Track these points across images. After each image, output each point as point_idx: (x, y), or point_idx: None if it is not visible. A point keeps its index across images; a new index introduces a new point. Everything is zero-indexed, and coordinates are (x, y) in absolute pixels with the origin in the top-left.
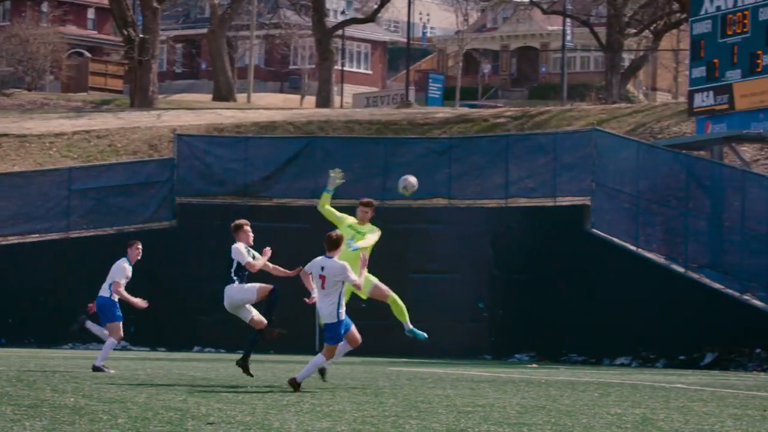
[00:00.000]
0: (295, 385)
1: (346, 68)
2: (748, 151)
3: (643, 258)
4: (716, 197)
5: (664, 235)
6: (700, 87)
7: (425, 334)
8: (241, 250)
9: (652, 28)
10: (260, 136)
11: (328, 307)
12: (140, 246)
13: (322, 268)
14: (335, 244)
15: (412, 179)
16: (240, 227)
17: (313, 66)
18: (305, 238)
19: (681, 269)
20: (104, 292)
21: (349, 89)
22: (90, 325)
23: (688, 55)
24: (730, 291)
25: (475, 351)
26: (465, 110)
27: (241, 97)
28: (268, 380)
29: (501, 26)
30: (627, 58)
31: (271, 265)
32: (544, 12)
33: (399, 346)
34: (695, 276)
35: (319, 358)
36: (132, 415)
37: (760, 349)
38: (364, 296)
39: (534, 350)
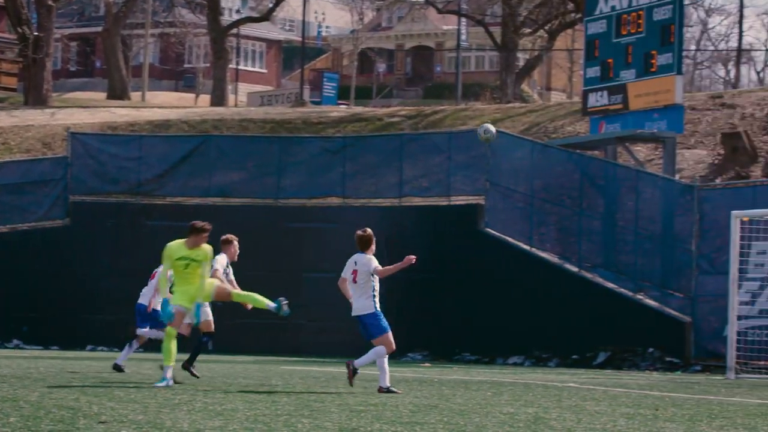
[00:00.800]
0: (386, 390)
1: (240, 67)
2: (641, 150)
3: (536, 257)
4: (610, 197)
5: (557, 235)
6: (595, 87)
7: (288, 310)
8: (221, 262)
9: (546, 27)
10: (154, 135)
11: (363, 300)
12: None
13: (355, 263)
14: (367, 242)
15: (490, 127)
16: (229, 242)
17: (208, 64)
18: None
19: (574, 269)
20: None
21: (244, 88)
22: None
23: (582, 55)
24: (623, 290)
25: (368, 350)
26: (360, 109)
27: (135, 96)
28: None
29: (396, 25)
30: (522, 57)
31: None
32: (439, 11)
33: (292, 345)
34: (588, 275)
35: (380, 350)
36: (24, 414)
37: (653, 348)
38: (208, 300)
39: (427, 349)
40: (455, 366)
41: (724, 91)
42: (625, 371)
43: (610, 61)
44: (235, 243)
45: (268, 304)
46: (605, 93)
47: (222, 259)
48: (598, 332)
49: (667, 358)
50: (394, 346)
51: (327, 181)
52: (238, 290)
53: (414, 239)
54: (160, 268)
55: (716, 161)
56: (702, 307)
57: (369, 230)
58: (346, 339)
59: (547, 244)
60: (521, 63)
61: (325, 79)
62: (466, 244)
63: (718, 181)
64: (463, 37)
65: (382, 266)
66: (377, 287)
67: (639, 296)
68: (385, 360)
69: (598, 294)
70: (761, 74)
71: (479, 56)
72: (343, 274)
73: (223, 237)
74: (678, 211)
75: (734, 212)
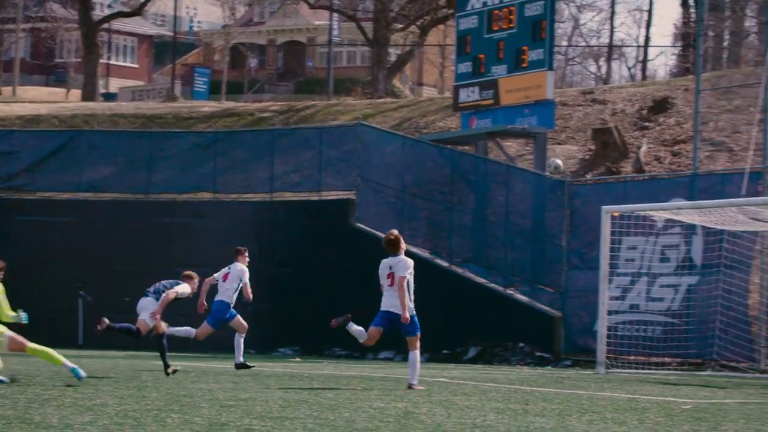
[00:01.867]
0: (414, 388)
1: (112, 62)
2: (512, 146)
3: (407, 252)
4: (480, 192)
5: (428, 230)
6: (466, 82)
7: (82, 374)
8: (183, 290)
9: (418, 23)
10: (25, 130)
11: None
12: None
13: (390, 267)
14: (395, 244)
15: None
16: (191, 277)
17: (79, 59)
18: (70, 231)
19: (445, 264)
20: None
21: (115, 83)
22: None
23: (454, 51)
24: (493, 285)
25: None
26: (231, 104)
27: (6, 91)
28: (32, 373)
29: (268, 20)
30: (393, 53)
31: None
32: (311, 6)
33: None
34: (459, 270)
35: (413, 355)
36: None
37: (524, 343)
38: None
39: (298, 344)
40: (326, 361)
41: (595, 87)
42: (495, 366)
43: (481, 56)
44: (196, 280)
45: (64, 362)
46: (476, 88)
47: (184, 288)
48: (468, 327)
49: (538, 353)
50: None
51: (198, 176)
52: (32, 345)
53: (285, 234)
54: None
55: (587, 157)
56: (572, 302)
57: (396, 233)
58: (217, 334)
59: (417, 239)
60: (393, 58)
61: (196, 74)
62: (337, 239)
63: (588, 176)
64: (335, 32)
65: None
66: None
67: (509, 291)
68: (417, 354)
69: (469, 289)
70: (632, 70)
71: (351, 51)
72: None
73: (186, 272)
74: (549, 206)
75: (605, 207)
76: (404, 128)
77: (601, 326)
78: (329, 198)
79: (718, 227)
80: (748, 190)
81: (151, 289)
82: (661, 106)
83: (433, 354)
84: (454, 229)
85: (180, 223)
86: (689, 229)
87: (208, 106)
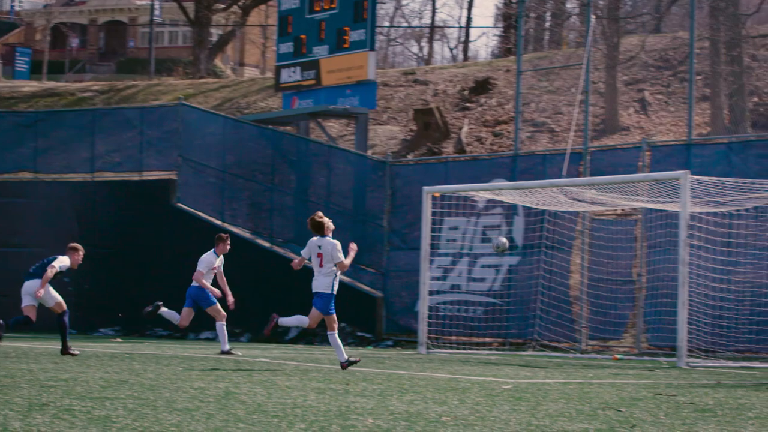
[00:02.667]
0: (347, 365)
1: None
2: (334, 126)
3: (228, 233)
4: (302, 172)
5: (249, 210)
6: (288, 63)
7: None
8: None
9: (240, 3)
10: None
11: (324, 278)
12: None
13: (319, 247)
14: (319, 226)
15: (503, 239)
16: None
17: None
18: None
19: (267, 244)
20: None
21: None
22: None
23: (276, 31)
24: None
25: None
26: (52, 84)
27: None
28: None
29: (90, 0)
30: (215, 33)
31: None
32: None
33: None
34: (281, 251)
35: (331, 337)
36: None
37: (345, 323)
38: None
39: (119, 324)
40: (147, 341)
41: (417, 67)
42: (317, 346)
43: (303, 36)
44: (81, 253)
45: None
46: (298, 69)
47: (63, 261)
48: (290, 307)
49: (359, 333)
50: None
51: (18, 156)
52: None
53: (106, 214)
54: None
55: (409, 137)
56: (394, 282)
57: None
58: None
59: (239, 219)
60: (214, 39)
61: (17, 54)
62: (158, 219)
63: (410, 156)
64: (157, 12)
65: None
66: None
67: None
68: (335, 334)
69: (291, 269)
70: (454, 51)
71: (173, 31)
72: (303, 254)
73: (71, 245)
74: (370, 186)
75: (425, 188)
76: (226, 108)
77: (422, 306)
78: (150, 178)
79: (541, 207)
80: (569, 171)
81: (32, 269)
82: (482, 86)
83: (254, 334)
84: (276, 210)
85: (0, 203)
86: (510, 210)
87: (29, 86)
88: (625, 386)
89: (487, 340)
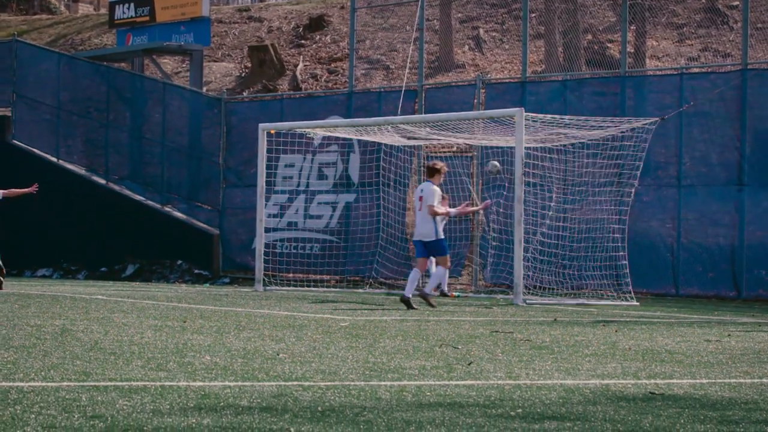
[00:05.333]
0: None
1: None
2: (169, 63)
3: (63, 169)
4: (137, 109)
5: (85, 147)
6: None
7: None
8: None
9: None
10: None
11: (426, 224)
12: None
13: (422, 190)
14: (431, 171)
15: (495, 162)
16: None
17: None
18: None
19: (102, 181)
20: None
21: None
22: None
23: None
24: (151, 203)
25: None
26: None
27: None
28: None
29: None
30: None
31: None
32: None
33: None
34: (116, 188)
35: (440, 270)
36: None
37: (182, 260)
38: None
39: None
40: None
41: (252, 4)
42: (153, 284)
43: None
44: None
45: None
46: (132, 5)
47: None
48: (126, 244)
49: (196, 271)
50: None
51: None
52: None
53: None
54: None
55: (244, 74)
56: (230, 219)
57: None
58: None
59: (74, 156)
60: None
61: None
62: None
63: (245, 94)
64: None
65: None
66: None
67: (167, 209)
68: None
69: (126, 206)
70: None
71: None
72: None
73: None
74: (205, 123)
75: (261, 125)
76: (60, 45)
77: (259, 244)
78: None
79: (378, 141)
80: (404, 108)
81: None
82: (317, 23)
83: (90, 272)
84: (111, 147)
85: None
86: (346, 147)
87: None
88: (462, 323)
89: (325, 277)
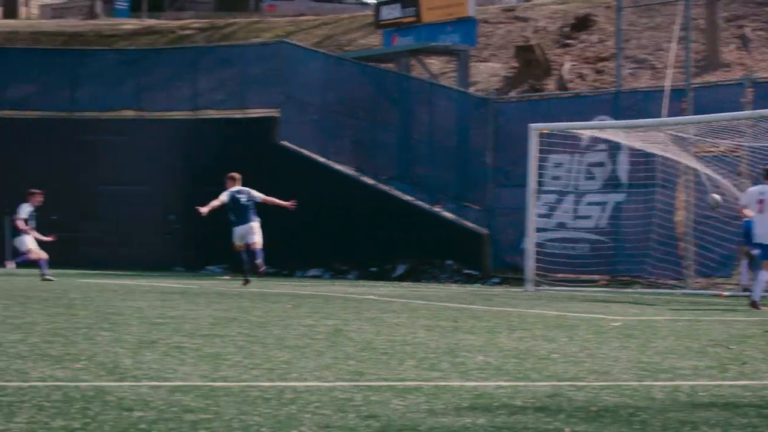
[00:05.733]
0: (755, 305)
1: None
2: (435, 63)
3: (333, 170)
4: (404, 110)
5: (353, 147)
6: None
7: None
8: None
9: None
10: None
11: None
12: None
13: (761, 194)
14: None
15: (716, 196)
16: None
17: None
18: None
19: (371, 181)
20: None
21: (36, 0)
22: None
23: None
24: (420, 203)
25: (167, 263)
26: (152, 22)
27: None
28: None
29: None
30: None
31: None
32: None
33: (88, 259)
34: (385, 188)
35: (763, 275)
36: None
37: (451, 260)
38: None
39: (227, 262)
40: (255, 278)
41: (517, 4)
42: (424, 284)
43: None
44: (38, 196)
45: None
46: (398, 6)
47: (22, 210)
48: (396, 245)
49: (466, 271)
50: None
51: (120, 94)
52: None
53: (209, 152)
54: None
55: (510, 74)
56: (499, 219)
57: None
58: (143, 252)
59: (342, 157)
60: None
61: None
62: (261, 156)
63: (512, 94)
64: None
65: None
66: None
67: (436, 209)
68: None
69: (395, 206)
70: None
71: None
72: (743, 202)
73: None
74: (473, 123)
75: (532, 125)
76: (326, 46)
77: (529, 244)
78: (253, 115)
79: (646, 148)
80: (670, 108)
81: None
82: (582, 23)
83: (361, 272)
84: (379, 147)
85: (103, 141)
86: (615, 148)
87: (129, 24)
88: (734, 323)
89: (594, 277)
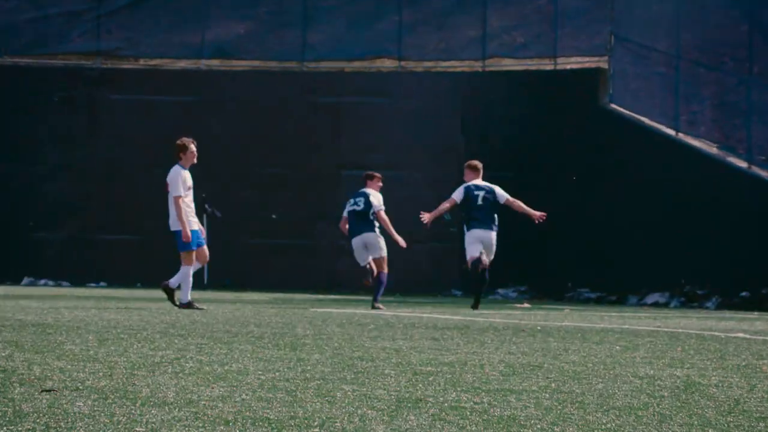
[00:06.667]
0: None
1: None
2: None
3: (686, 147)
4: None
5: (715, 114)
6: None
7: None
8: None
9: None
10: None
11: None
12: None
13: None
14: None
15: None
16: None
17: None
18: (187, 115)
19: (743, 164)
20: None
21: None
22: None
23: None
24: None
25: (437, 285)
26: None
27: None
28: (134, 325)
29: None
30: None
31: None
32: None
33: (325, 277)
34: (764, 174)
35: None
36: None
37: None
38: None
39: (525, 283)
40: (567, 307)
41: None
42: None
43: None
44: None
45: None
46: None
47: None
48: None
49: None
50: None
51: (375, 35)
52: None
53: (503, 121)
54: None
55: None
56: None
57: None
58: (403, 268)
59: (700, 128)
60: None
61: None
62: (580, 127)
63: None
64: None
65: None
66: None
67: None
68: None
69: None
70: None
71: None
72: None
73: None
74: None
75: None
76: None
77: None
78: (568, 67)
79: None
80: None
81: (358, 206)
82: None
83: (725, 298)
84: (755, 114)
85: (350, 104)
86: None
87: None
88: None
89: None
